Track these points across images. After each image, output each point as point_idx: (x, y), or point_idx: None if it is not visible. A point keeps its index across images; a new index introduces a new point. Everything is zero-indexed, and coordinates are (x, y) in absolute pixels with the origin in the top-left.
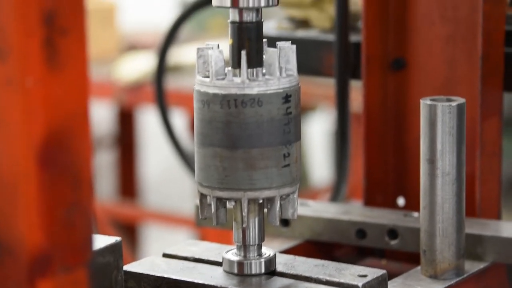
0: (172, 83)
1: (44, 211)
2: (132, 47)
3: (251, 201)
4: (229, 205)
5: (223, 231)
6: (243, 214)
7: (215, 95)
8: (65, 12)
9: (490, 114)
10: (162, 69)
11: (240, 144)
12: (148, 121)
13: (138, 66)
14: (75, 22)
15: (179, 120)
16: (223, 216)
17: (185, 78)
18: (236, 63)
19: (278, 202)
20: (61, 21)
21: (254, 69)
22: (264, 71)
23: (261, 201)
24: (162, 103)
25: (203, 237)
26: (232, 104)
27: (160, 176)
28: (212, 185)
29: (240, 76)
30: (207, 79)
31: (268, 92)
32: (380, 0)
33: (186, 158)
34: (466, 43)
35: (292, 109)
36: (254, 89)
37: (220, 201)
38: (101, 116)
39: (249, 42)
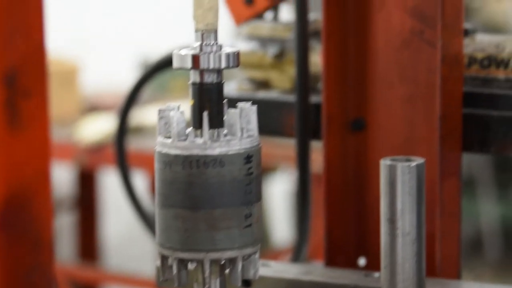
0: (133, 145)
1: (4, 273)
2: (93, 108)
3: (213, 262)
4: (190, 266)
5: None
6: (205, 275)
7: (177, 156)
8: (27, 74)
9: (449, 174)
10: (123, 130)
11: (202, 205)
12: (109, 182)
13: (99, 127)
14: (37, 84)
15: (140, 181)
16: (185, 278)
17: (146, 140)
18: (197, 124)
19: (240, 262)
20: (23, 83)
21: (216, 130)
22: (225, 131)
23: (223, 261)
24: (123, 164)
25: None
26: (194, 165)
27: (121, 238)
28: (173, 246)
29: (201, 137)
30: (169, 140)
31: (230, 152)
32: (340, 61)
33: (147, 220)
34: (424, 104)
35: (254, 170)
36: (216, 150)
37: (182, 262)
38: (62, 177)
39: (210, 103)
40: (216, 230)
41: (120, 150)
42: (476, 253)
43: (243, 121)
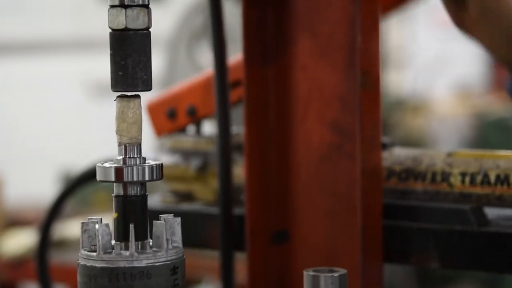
0: (55, 259)
1: None
2: (15, 222)
3: None
4: None
5: None
6: None
7: (103, 269)
8: None
9: (371, 285)
10: (45, 244)
11: None
12: None
13: (21, 241)
14: None
15: None
16: None
17: (68, 254)
18: (122, 237)
19: None
20: None
21: (141, 242)
22: (151, 243)
23: None
24: (45, 279)
25: None
26: (121, 277)
27: None
28: None
29: (126, 249)
30: (94, 253)
31: (157, 264)
32: (262, 174)
33: None
34: (345, 216)
35: (179, 281)
36: (143, 262)
37: None
38: None
39: (134, 215)
40: None
41: (42, 264)
42: None
43: (167, 233)
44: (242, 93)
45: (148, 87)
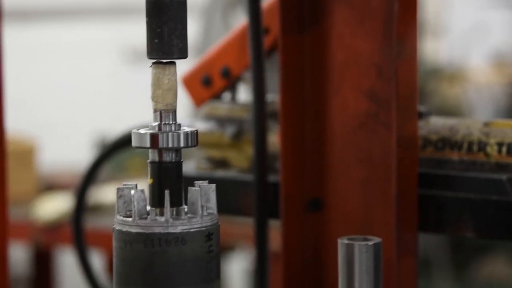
0: (91, 223)
1: None
2: (50, 187)
3: None
4: None
5: None
6: None
7: (138, 234)
8: None
9: (405, 254)
10: (80, 209)
11: (164, 284)
12: (66, 262)
13: (56, 206)
14: None
15: (97, 260)
16: None
17: (103, 218)
18: (157, 203)
19: None
20: None
21: (176, 208)
22: (186, 209)
23: None
24: (81, 243)
25: None
26: (156, 243)
27: None
28: None
29: (161, 215)
30: (129, 219)
31: (192, 230)
32: (297, 142)
33: None
34: (380, 185)
35: (214, 247)
36: (178, 228)
37: None
38: (18, 257)
39: (170, 181)
40: None
41: (77, 229)
42: None
43: (202, 199)
44: (273, 40)
45: (183, 54)
